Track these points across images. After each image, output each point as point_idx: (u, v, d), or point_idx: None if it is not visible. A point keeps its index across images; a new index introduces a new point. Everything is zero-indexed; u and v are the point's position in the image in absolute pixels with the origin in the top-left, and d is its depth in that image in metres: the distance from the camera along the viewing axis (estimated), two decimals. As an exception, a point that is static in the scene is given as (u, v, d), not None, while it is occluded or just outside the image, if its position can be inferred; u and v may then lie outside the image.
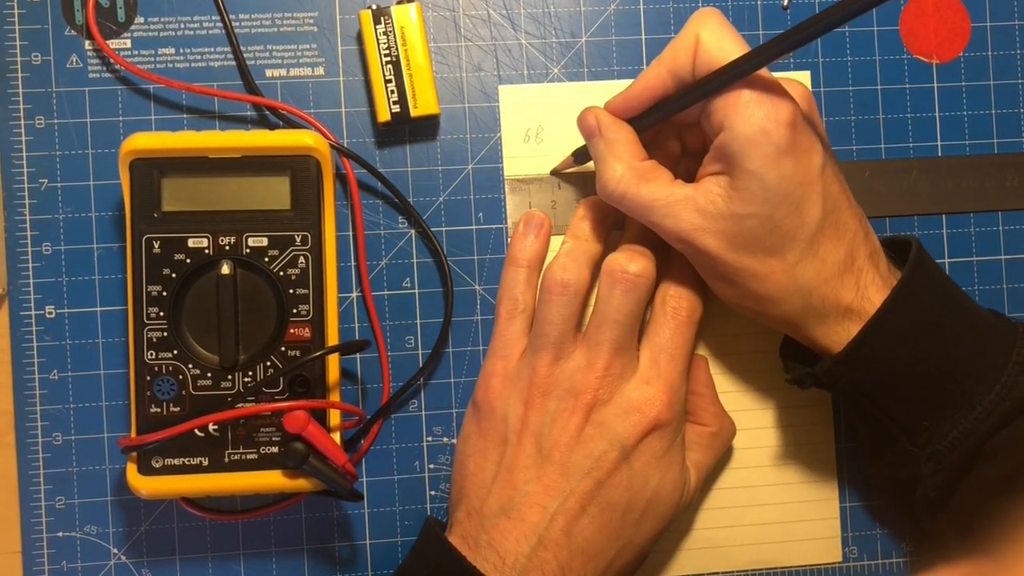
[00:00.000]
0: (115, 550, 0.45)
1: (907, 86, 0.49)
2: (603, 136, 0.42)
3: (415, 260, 0.47)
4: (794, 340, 0.43)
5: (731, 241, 0.40)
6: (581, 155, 0.45)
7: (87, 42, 0.46)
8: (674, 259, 0.44)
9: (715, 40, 0.39)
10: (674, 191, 0.41)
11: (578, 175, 0.47)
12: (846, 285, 0.40)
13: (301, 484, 0.42)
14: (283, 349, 0.42)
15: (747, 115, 0.38)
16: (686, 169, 0.45)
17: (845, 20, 0.37)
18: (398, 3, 0.45)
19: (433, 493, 0.47)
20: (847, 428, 0.48)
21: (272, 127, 0.46)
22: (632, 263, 0.42)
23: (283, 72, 0.47)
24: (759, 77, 0.39)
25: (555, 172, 0.47)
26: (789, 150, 0.39)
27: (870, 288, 0.41)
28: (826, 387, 0.42)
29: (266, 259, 0.42)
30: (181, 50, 0.46)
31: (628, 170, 0.41)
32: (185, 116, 0.46)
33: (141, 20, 0.46)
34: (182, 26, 0.46)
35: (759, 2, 0.48)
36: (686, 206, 0.40)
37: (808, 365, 0.43)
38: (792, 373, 0.43)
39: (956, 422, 0.41)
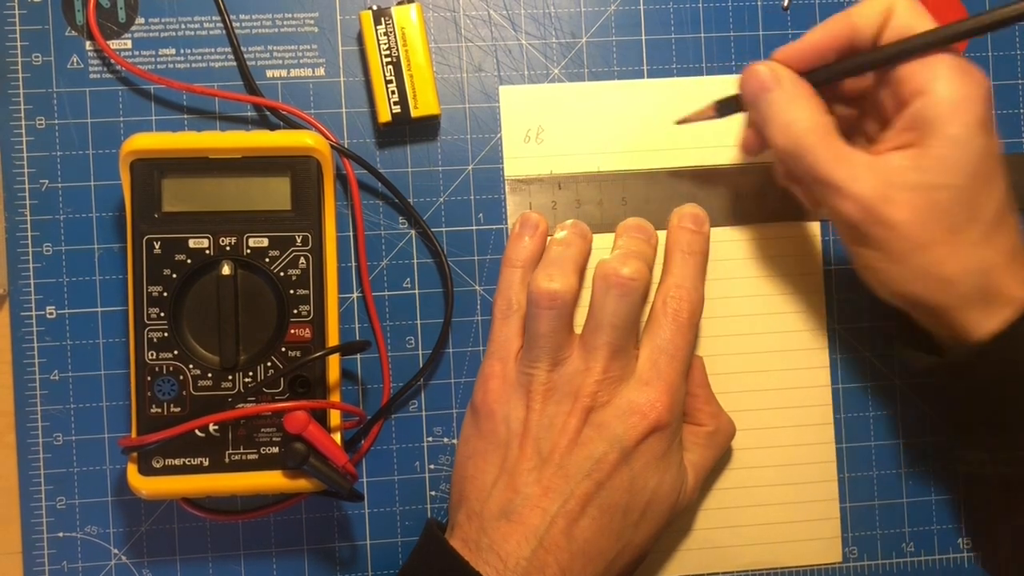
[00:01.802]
0: (115, 550, 0.45)
1: (907, 86, 0.49)
2: (783, 88, 0.40)
3: (415, 260, 0.47)
4: (910, 333, 0.43)
5: (917, 214, 0.38)
6: (726, 107, 0.44)
7: (88, 43, 0.46)
8: (675, 259, 0.44)
9: (911, 9, 0.39)
10: (857, 154, 0.39)
11: (580, 177, 0.47)
12: (1016, 275, 0.40)
13: (301, 484, 0.42)
14: (283, 349, 0.42)
15: (952, 80, 0.38)
16: None
17: None
18: (398, 4, 0.45)
19: (433, 493, 0.47)
20: (847, 428, 0.48)
21: (272, 127, 0.46)
22: (625, 266, 0.42)
23: (283, 72, 0.47)
24: (952, 52, 0.39)
25: (684, 121, 0.45)
26: (987, 123, 0.38)
27: None
28: (957, 377, 0.41)
29: (267, 259, 0.42)
30: (182, 50, 0.46)
31: (818, 124, 0.40)
32: (185, 116, 0.46)
33: (142, 21, 0.46)
34: (183, 27, 0.46)
35: (759, 2, 0.48)
36: (870, 172, 0.39)
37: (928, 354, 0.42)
38: (922, 363, 0.43)
39: None
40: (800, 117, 0.40)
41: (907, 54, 0.39)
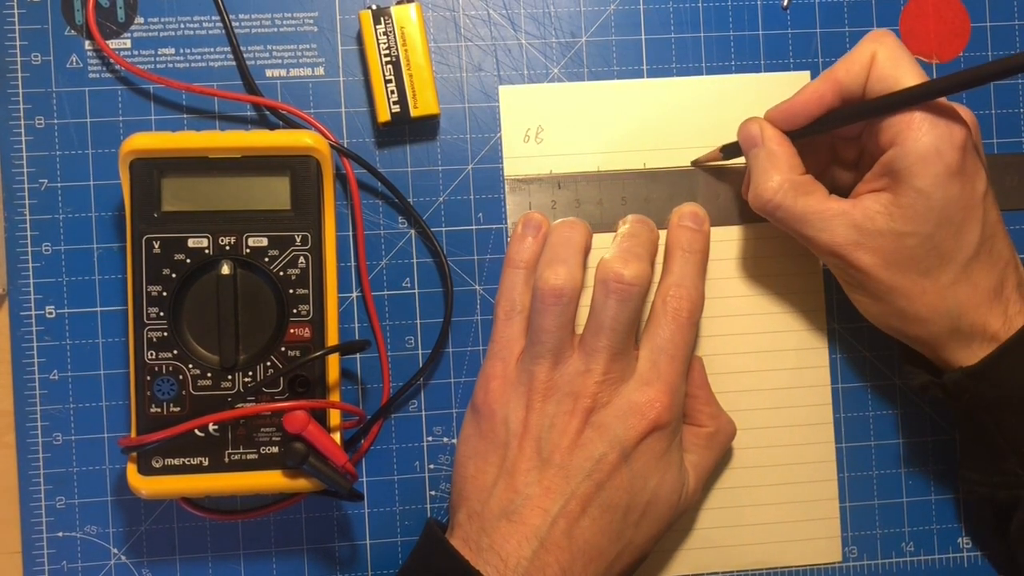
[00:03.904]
0: (115, 550, 0.45)
1: (907, 86, 0.49)
2: (765, 147, 0.43)
3: (415, 260, 0.47)
4: (910, 348, 0.44)
5: (887, 258, 0.41)
6: (730, 151, 0.46)
7: (87, 42, 0.46)
8: (675, 258, 0.44)
9: (892, 59, 0.40)
10: (830, 205, 0.41)
11: (580, 177, 0.47)
12: (995, 312, 0.41)
13: (301, 484, 0.42)
14: (283, 349, 0.42)
15: (920, 134, 0.39)
16: (832, 178, 0.46)
17: None
18: (398, 3, 0.45)
19: (433, 493, 0.47)
20: (847, 428, 0.48)
21: (272, 127, 0.46)
22: (626, 268, 0.42)
23: (283, 72, 0.47)
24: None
25: (697, 163, 0.47)
26: (958, 173, 0.39)
27: (1017, 318, 0.41)
28: (951, 397, 0.43)
29: (266, 259, 0.42)
30: (181, 50, 0.46)
31: (786, 182, 0.42)
32: (185, 116, 0.46)
33: (141, 20, 0.46)
34: (182, 26, 0.46)
35: (759, 2, 0.48)
36: (842, 220, 0.41)
37: (929, 373, 0.44)
38: (917, 380, 0.44)
39: None
40: (772, 177, 0.42)
41: (883, 111, 0.40)
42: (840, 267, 0.42)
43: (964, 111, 0.41)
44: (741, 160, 0.45)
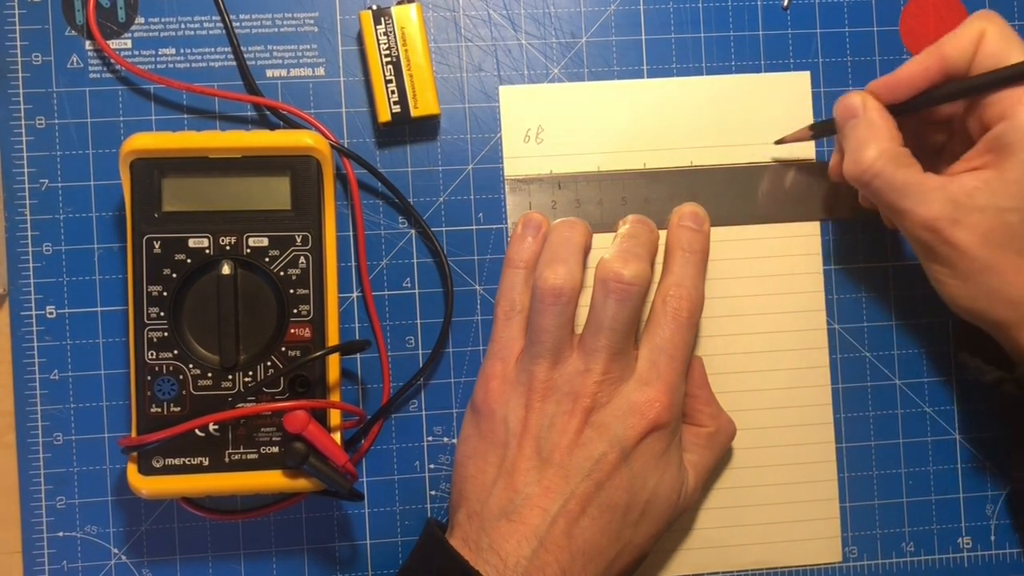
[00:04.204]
0: (115, 550, 0.45)
1: (907, 86, 0.49)
2: (866, 117, 0.42)
3: (415, 260, 0.47)
4: (971, 336, 0.44)
5: (984, 236, 0.40)
6: (820, 129, 0.46)
7: (88, 42, 0.46)
8: (675, 258, 0.44)
9: (1001, 36, 0.40)
10: (928, 179, 0.41)
11: (580, 177, 0.47)
12: None
13: (301, 484, 0.42)
14: (283, 349, 0.42)
15: None
16: None
17: None
18: (398, 3, 0.45)
19: (433, 493, 0.47)
20: (847, 428, 0.48)
21: (272, 127, 0.46)
22: (626, 267, 0.42)
23: (283, 72, 0.47)
24: None
25: (782, 142, 0.47)
26: None
27: None
28: None
29: (266, 259, 0.42)
30: (181, 50, 0.46)
31: (887, 151, 0.41)
32: (185, 116, 0.46)
33: (141, 20, 0.46)
34: (182, 26, 0.46)
35: (759, 2, 0.48)
36: (940, 195, 0.40)
37: (987, 361, 0.43)
38: (990, 375, 0.44)
39: None
40: (872, 146, 0.42)
41: (991, 86, 0.40)
42: (932, 244, 0.41)
43: None
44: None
